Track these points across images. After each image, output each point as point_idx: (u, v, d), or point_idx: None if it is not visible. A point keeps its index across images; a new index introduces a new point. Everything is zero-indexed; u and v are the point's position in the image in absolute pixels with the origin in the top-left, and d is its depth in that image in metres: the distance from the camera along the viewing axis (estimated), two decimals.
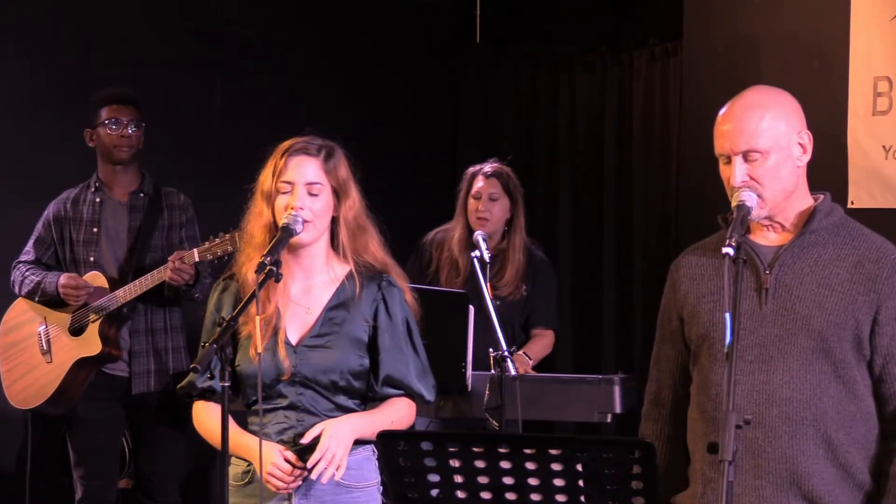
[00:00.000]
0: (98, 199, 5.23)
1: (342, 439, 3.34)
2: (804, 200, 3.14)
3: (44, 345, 5.19)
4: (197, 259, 4.85)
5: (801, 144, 3.08)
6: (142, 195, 5.25)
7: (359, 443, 3.43)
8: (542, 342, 5.59)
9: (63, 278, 5.09)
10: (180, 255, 4.93)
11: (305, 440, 3.35)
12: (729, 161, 3.06)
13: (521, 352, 5.39)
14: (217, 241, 4.79)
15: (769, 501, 3.02)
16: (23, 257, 5.26)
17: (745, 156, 3.03)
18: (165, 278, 4.96)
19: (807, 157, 3.10)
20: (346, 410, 3.43)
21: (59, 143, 5.78)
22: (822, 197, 3.16)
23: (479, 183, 5.49)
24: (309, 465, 3.31)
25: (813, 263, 3.07)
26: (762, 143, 3.03)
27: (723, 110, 3.11)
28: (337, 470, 3.33)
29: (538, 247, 5.71)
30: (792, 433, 3.01)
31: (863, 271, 3.05)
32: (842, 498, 3.04)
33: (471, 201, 5.48)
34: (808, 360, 3.02)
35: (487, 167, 5.54)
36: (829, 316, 3.03)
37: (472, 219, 5.45)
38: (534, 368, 5.49)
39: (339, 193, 3.45)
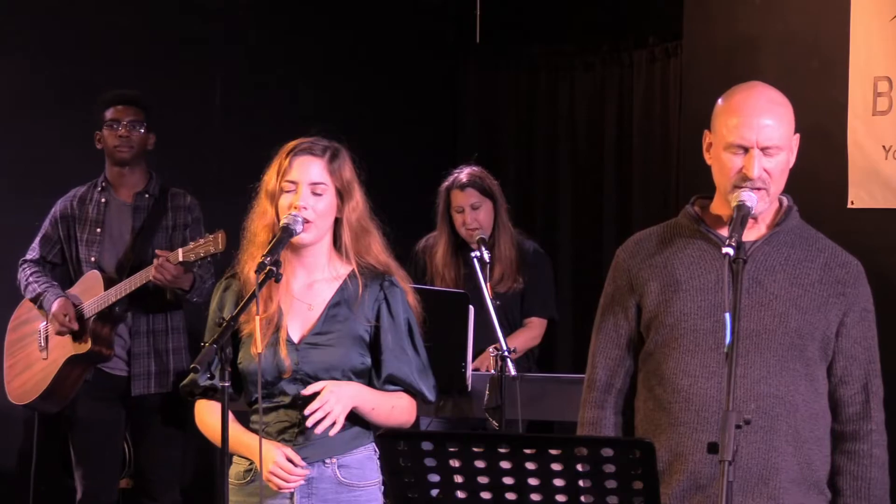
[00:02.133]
0: (103, 200, 5.24)
1: (342, 397, 3.35)
2: (776, 200, 3.17)
3: (42, 341, 5.21)
4: (181, 258, 4.83)
5: (791, 147, 3.11)
6: (147, 196, 5.25)
7: (359, 437, 3.44)
8: (528, 333, 5.56)
9: (56, 306, 5.09)
10: (165, 254, 4.93)
11: (307, 392, 3.37)
12: (741, 152, 3.04)
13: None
14: (201, 241, 4.78)
15: (734, 494, 3.01)
16: (28, 255, 5.28)
17: (765, 150, 3.03)
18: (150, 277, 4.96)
19: (793, 159, 3.13)
20: None
21: (59, 143, 5.78)
22: (785, 199, 3.18)
23: (457, 197, 5.48)
24: (307, 412, 3.33)
25: (784, 261, 3.10)
26: (782, 140, 3.05)
27: (737, 101, 3.08)
28: (333, 426, 3.33)
29: (528, 237, 5.71)
30: (767, 428, 3.03)
31: (831, 274, 3.10)
32: (798, 497, 3.06)
33: (455, 215, 5.49)
34: (783, 357, 3.05)
35: (462, 177, 5.51)
36: (804, 315, 3.06)
37: (462, 232, 5.46)
38: (538, 367, 5.51)
39: (342, 194, 3.45)
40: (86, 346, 5.08)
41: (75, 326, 5.07)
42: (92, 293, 5.10)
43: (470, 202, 5.46)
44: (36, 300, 5.19)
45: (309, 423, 3.33)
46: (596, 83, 7.24)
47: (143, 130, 5.23)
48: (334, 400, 3.34)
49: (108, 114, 5.23)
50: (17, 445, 5.79)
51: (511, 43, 7.43)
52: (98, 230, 5.20)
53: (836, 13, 5.44)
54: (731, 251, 2.86)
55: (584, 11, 7.17)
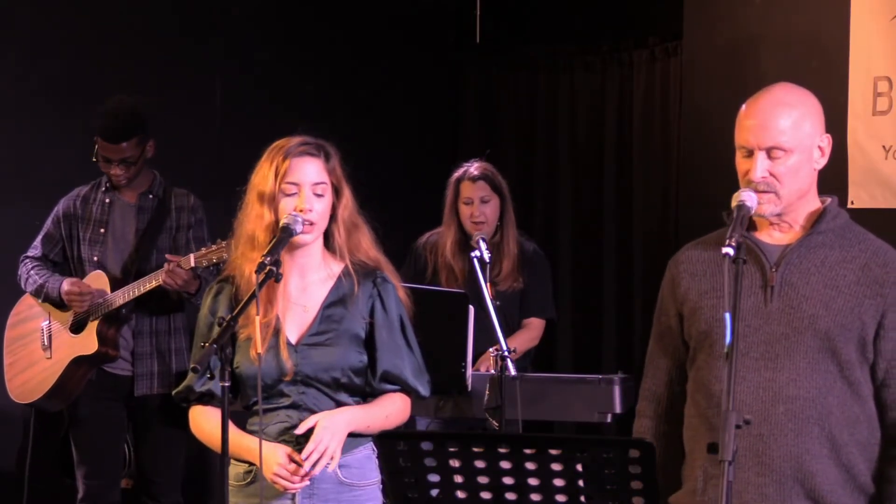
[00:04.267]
0: (108, 200, 5.23)
1: (336, 431, 3.35)
2: (813, 202, 3.15)
3: (45, 340, 5.20)
4: (193, 264, 4.83)
5: (820, 147, 3.11)
6: (150, 196, 5.24)
7: (358, 438, 3.43)
8: (527, 334, 5.56)
9: (66, 284, 5.08)
10: (177, 259, 4.92)
11: (300, 431, 3.36)
12: (749, 155, 3.05)
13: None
14: (213, 247, 4.77)
15: (771, 499, 3.01)
16: (30, 252, 5.27)
17: (769, 152, 3.03)
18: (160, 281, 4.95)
19: (824, 161, 3.12)
20: None
21: (57, 144, 5.77)
22: (829, 200, 3.16)
23: (467, 188, 5.49)
24: (303, 455, 3.32)
25: (819, 264, 3.07)
26: (788, 142, 3.04)
27: (749, 103, 3.10)
28: (331, 461, 3.33)
29: (528, 238, 5.72)
30: (797, 431, 3.00)
31: (870, 275, 3.06)
32: (844, 499, 3.03)
33: (462, 207, 5.49)
34: (814, 360, 3.02)
35: (472, 170, 5.53)
36: (835, 317, 3.03)
37: (468, 224, 5.46)
38: (533, 367, 5.50)
39: (337, 191, 3.45)
40: (93, 348, 5.08)
41: (94, 294, 5.03)
42: (98, 295, 5.10)
43: (479, 195, 5.47)
44: (39, 291, 5.17)
45: (307, 466, 3.32)
46: (596, 83, 7.24)
47: (136, 162, 5.14)
48: (328, 437, 3.33)
49: (99, 147, 5.11)
50: (13, 444, 5.78)
51: (511, 43, 7.43)
52: (102, 230, 5.20)
53: (836, 13, 5.44)
54: (730, 251, 2.86)
55: (584, 11, 7.17)
